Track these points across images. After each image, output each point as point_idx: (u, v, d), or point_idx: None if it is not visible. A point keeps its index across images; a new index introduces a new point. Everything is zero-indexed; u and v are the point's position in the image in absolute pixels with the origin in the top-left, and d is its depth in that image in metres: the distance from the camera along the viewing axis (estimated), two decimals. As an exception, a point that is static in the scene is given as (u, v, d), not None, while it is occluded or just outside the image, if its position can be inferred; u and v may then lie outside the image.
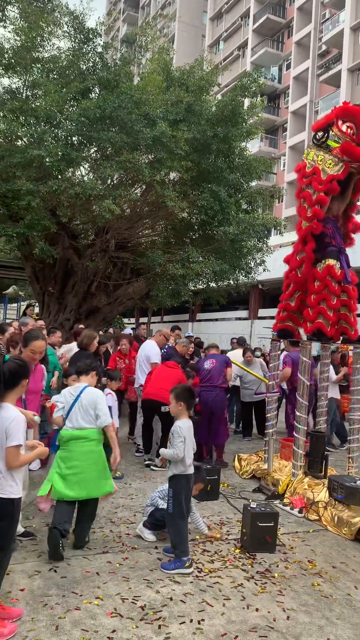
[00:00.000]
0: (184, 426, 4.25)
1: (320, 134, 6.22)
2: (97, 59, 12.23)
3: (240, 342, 11.12)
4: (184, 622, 3.38)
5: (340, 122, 6.00)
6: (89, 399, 4.47)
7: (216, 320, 26.34)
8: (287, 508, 5.83)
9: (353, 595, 3.94)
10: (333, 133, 6.09)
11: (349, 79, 31.70)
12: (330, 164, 6.04)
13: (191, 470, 4.31)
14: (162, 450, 4.32)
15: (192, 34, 48.75)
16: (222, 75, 28.11)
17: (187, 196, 12.75)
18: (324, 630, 3.43)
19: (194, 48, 46.20)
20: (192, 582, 3.95)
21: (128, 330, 14.54)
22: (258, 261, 14.68)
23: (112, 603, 3.55)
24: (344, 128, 5.95)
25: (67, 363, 7.33)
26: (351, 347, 7.11)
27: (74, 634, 3.16)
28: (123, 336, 9.19)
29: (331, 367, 8.67)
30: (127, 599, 3.62)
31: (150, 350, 8.10)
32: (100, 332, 10.04)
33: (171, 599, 3.67)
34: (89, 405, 4.45)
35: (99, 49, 12.44)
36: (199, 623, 3.39)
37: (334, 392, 9.52)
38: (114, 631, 3.21)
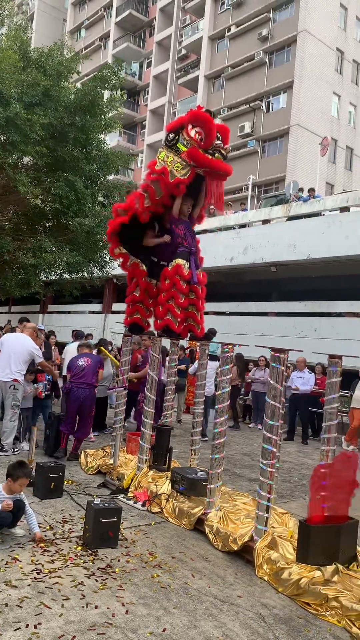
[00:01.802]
0: None
1: (171, 135, 6.33)
2: None
3: (79, 335, 11.10)
4: (19, 628, 3.24)
5: (190, 127, 6.10)
6: None
7: (69, 312, 25.78)
8: (131, 502, 5.90)
9: (190, 584, 4.10)
10: (182, 137, 6.21)
11: (205, 86, 33.04)
12: (178, 166, 6.18)
13: None
14: None
15: (53, 17, 47.15)
16: (83, 64, 27.54)
17: (41, 183, 12.29)
18: (161, 621, 3.51)
19: (54, 31, 44.71)
20: (30, 584, 3.80)
21: None
22: (113, 256, 14.64)
23: None
24: (192, 133, 6.06)
25: None
26: (198, 344, 7.41)
27: None
28: None
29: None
30: None
31: (34, 347, 7.66)
32: None
33: (6, 604, 3.50)
34: None
35: None
36: (35, 627, 3.27)
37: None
38: None
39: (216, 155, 6.02)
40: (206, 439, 9.37)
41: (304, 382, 11.69)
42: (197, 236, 6.94)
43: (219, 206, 6.50)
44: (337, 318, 14.66)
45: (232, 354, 5.48)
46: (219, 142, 6.07)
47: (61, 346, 12.73)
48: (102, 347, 9.58)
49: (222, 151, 6.09)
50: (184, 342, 11.37)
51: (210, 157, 5.98)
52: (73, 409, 7.62)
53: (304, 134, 28.09)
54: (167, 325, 6.40)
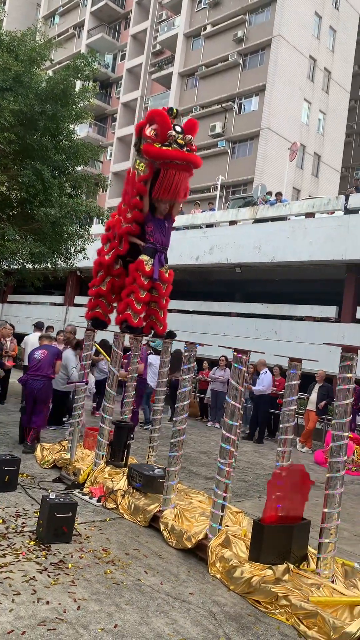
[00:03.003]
0: None
1: (136, 139, 6.44)
2: None
3: (39, 326, 11.07)
4: (-32, 624, 3.19)
5: (147, 127, 6.20)
6: None
7: (29, 303, 25.35)
8: (86, 497, 5.86)
9: (143, 580, 4.11)
10: (143, 138, 6.27)
11: (179, 83, 33.00)
12: (142, 166, 6.30)
13: None
14: None
15: (27, 0, 46.15)
16: (56, 52, 26.99)
17: (7, 170, 12.03)
18: (113, 617, 3.51)
19: (27, 16, 43.79)
20: (-20, 579, 3.74)
21: None
22: (78, 248, 14.49)
23: None
24: (148, 132, 6.14)
25: None
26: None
27: None
28: None
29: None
30: None
31: None
32: None
33: None
34: None
35: None
36: (-16, 623, 3.22)
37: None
38: None
39: (173, 146, 6.01)
40: (147, 427, 9.79)
41: (258, 382, 11.87)
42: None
43: (172, 196, 6.27)
44: (298, 321, 14.92)
45: (195, 352, 5.51)
46: (174, 132, 6.03)
47: (20, 337, 12.53)
48: (96, 345, 9.52)
49: (179, 141, 6.04)
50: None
51: (166, 148, 5.99)
52: (29, 400, 7.74)
53: (273, 137, 28.40)
54: (126, 319, 6.41)
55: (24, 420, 7.84)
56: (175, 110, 6.37)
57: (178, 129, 6.08)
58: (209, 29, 31.30)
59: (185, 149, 6.05)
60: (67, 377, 9.53)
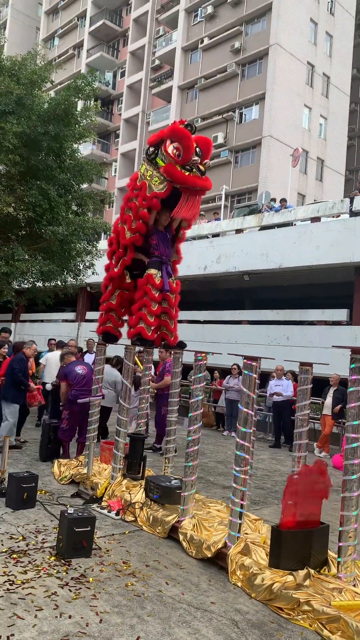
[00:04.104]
0: None
1: (151, 149, 6.36)
2: None
3: (59, 345, 11.17)
4: (-8, 640, 3.22)
5: (168, 142, 6.08)
6: None
7: (42, 321, 25.57)
8: (105, 511, 5.88)
9: (164, 591, 4.11)
10: (161, 152, 6.19)
11: (179, 96, 33.33)
12: (156, 181, 6.24)
13: None
14: None
15: (26, 25, 47.03)
16: (56, 73, 27.40)
17: (14, 191, 12.21)
18: (135, 629, 3.52)
19: (27, 39, 44.57)
20: (2, 596, 3.77)
21: None
22: (87, 264, 14.64)
23: None
24: (170, 149, 6.03)
25: None
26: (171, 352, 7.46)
27: None
28: None
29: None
30: None
31: None
32: None
33: (-22, 617, 3.46)
34: None
35: None
36: (8, 639, 3.25)
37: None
38: None
39: (194, 171, 6.04)
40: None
41: (283, 389, 11.88)
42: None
43: (192, 218, 6.52)
44: (309, 326, 14.89)
45: (205, 362, 5.54)
46: (196, 158, 6.03)
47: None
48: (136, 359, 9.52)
49: (200, 167, 6.10)
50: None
51: (187, 173, 6.01)
52: (78, 415, 7.84)
53: (275, 144, 28.53)
54: (140, 333, 6.44)
55: (66, 437, 7.97)
56: (194, 128, 6.36)
57: (198, 150, 6.09)
58: (206, 41, 31.65)
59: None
60: (115, 393, 9.57)
